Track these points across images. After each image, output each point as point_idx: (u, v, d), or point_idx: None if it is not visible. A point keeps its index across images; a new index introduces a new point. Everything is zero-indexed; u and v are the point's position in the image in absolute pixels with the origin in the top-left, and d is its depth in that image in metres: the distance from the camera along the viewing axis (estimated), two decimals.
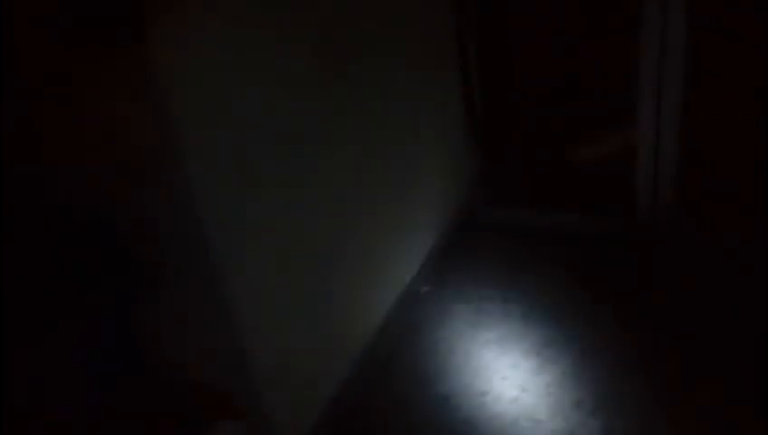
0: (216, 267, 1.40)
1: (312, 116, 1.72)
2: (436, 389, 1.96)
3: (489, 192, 2.74)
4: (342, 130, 1.86)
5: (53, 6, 1.20)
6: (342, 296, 1.91)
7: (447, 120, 2.59)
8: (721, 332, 2.02)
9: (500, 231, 2.63)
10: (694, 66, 2.15)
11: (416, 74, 2.28)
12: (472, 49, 2.48)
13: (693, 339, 2.01)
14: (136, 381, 1.55)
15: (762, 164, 2.20)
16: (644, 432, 1.74)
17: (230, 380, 1.56)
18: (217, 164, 1.40)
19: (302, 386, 1.76)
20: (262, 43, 1.52)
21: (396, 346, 2.14)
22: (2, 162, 1.39)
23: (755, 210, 2.25)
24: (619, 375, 1.91)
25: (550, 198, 2.66)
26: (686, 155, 2.30)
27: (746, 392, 1.80)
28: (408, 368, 2.06)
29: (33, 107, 1.38)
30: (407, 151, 2.25)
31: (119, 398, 1.51)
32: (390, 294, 2.20)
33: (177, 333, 1.56)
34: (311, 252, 1.75)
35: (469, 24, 2.45)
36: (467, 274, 2.44)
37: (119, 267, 1.46)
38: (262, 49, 1.52)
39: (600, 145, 2.53)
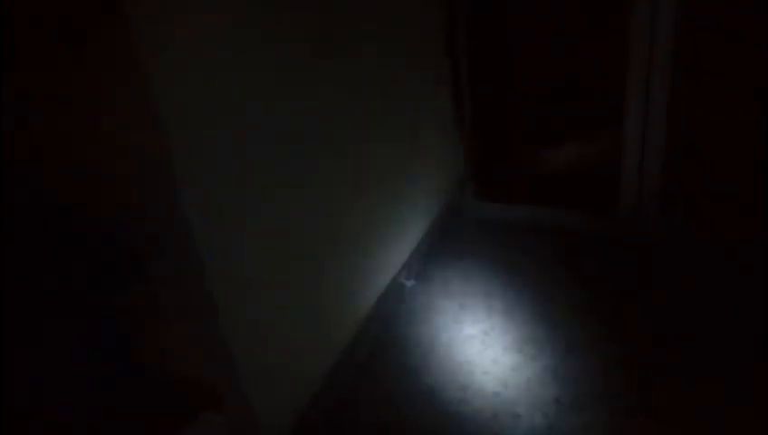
0: (204, 262, 1.39)
1: (311, 115, 1.72)
2: (418, 383, 1.97)
3: (480, 188, 2.74)
4: (340, 130, 1.87)
5: (52, 6, 1.20)
6: (329, 291, 1.91)
7: (445, 119, 2.60)
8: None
9: (488, 227, 2.65)
10: (690, 65, 2.15)
11: (414, 73, 2.29)
12: (461, 47, 2.47)
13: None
14: (125, 376, 1.55)
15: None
16: (625, 429, 1.75)
17: (216, 373, 1.56)
18: (211, 162, 1.40)
19: (289, 380, 1.77)
20: (261, 42, 1.52)
21: (380, 340, 2.15)
22: (2, 162, 1.39)
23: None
24: (601, 373, 1.92)
25: (540, 195, 2.66)
26: (684, 155, 2.30)
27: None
28: (392, 362, 2.07)
29: (31, 106, 1.38)
30: (401, 148, 2.26)
31: (109, 393, 1.51)
32: (377, 288, 2.21)
33: (164, 327, 1.56)
34: (299, 247, 1.74)
35: (458, 23, 2.44)
36: (452, 269, 2.46)
37: (110, 264, 1.46)
38: (261, 49, 1.52)
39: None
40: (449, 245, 2.57)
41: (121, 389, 1.54)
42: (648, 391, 1.85)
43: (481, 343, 2.10)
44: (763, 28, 2.05)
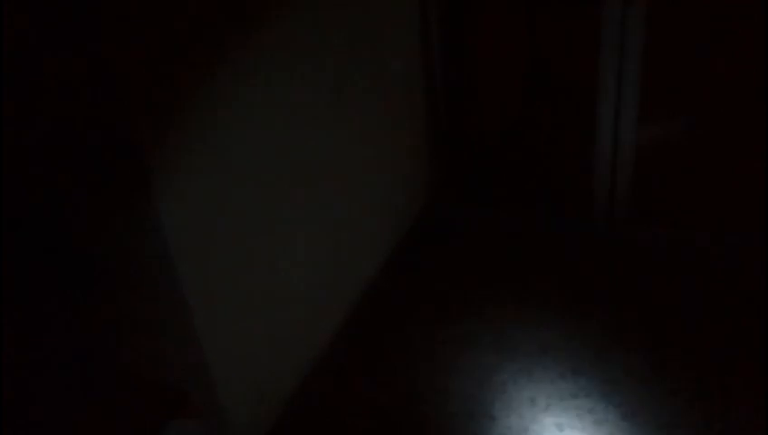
0: (174, 267, 1.40)
1: (291, 127, 1.74)
2: (394, 387, 1.96)
3: (456, 191, 2.71)
4: (313, 139, 1.87)
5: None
6: (302, 296, 1.91)
7: (420, 121, 2.55)
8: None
9: (466, 231, 2.61)
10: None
11: (386, 68, 2.24)
12: (436, 40, 2.44)
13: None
14: (105, 377, 1.56)
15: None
16: (598, 428, 1.75)
17: (187, 378, 1.56)
18: (189, 171, 1.41)
19: (262, 385, 1.77)
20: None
21: (355, 344, 2.13)
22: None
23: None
24: (576, 373, 1.91)
25: (516, 199, 2.63)
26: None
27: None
28: (367, 366, 2.06)
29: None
30: (375, 149, 2.23)
31: (90, 394, 1.52)
32: (351, 291, 2.20)
33: (134, 332, 1.56)
34: (270, 252, 1.75)
35: (431, 19, 2.40)
36: (428, 272, 2.43)
37: (75, 267, 1.47)
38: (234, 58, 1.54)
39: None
40: (425, 249, 2.54)
41: (102, 390, 1.54)
42: (623, 391, 1.84)
43: (457, 345, 2.08)
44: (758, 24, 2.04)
